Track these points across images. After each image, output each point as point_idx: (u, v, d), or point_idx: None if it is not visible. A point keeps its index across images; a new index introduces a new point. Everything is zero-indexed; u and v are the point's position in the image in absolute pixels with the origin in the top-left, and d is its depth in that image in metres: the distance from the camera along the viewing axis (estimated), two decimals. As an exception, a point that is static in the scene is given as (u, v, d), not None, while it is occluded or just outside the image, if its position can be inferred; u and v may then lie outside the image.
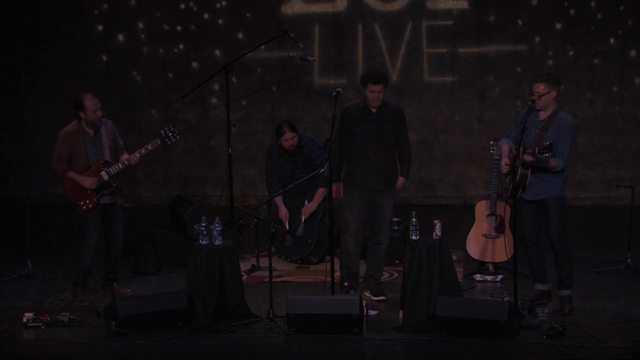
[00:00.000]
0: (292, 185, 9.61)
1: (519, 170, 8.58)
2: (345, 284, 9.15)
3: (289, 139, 10.29)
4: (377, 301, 9.11)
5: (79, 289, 9.19)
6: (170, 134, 9.26)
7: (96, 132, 9.19)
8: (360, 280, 9.40)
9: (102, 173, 9.13)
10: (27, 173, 13.02)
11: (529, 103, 8.59)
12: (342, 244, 9.30)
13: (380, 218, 9.26)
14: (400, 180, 9.36)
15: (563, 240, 8.68)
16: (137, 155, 9.19)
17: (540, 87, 8.60)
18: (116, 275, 9.44)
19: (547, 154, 8.43)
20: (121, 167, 9.18)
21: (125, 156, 9.24)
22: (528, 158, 8.48)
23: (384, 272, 9.60)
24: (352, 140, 9.22)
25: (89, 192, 9.11)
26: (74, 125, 9.18)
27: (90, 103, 9.12)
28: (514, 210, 8.92)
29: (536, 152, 8.43)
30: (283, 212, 10.41)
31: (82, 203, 9.11)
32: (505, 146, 8.83)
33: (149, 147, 9.22)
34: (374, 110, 9.19)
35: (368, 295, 9.20)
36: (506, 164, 8.72)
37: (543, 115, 8.69)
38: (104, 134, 9.22)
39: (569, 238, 8.79)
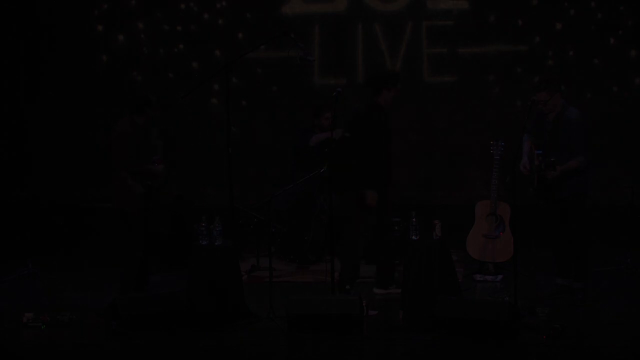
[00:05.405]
0: (292, 185, 9.61)
1: (536, 176, 8.65)
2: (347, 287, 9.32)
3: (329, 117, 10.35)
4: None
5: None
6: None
7: (150, 130, 9.06)
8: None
9: (154, 173, 8.99)
10: (28, 173, 13.00)
11: (528, 103, 8.60)
12: None
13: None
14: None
15: (581, 240, 8.81)
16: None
17: (542, 96, 8.66)
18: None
19: (553, 171, 8.47)
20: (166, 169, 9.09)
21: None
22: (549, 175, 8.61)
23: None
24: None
25: (141, 193, 9.00)
26: (128, 123, 9.01)
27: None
28: (514, 210, 8.93)
29: (542, 168, 8.49)
30: None
31: (134, 204, 8.94)
32: (527, 143, 8.84)
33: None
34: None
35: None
36: (524, 167, 8.73)
37: (551, 116, 8.71)
38: (153, 133, 9.10)
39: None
